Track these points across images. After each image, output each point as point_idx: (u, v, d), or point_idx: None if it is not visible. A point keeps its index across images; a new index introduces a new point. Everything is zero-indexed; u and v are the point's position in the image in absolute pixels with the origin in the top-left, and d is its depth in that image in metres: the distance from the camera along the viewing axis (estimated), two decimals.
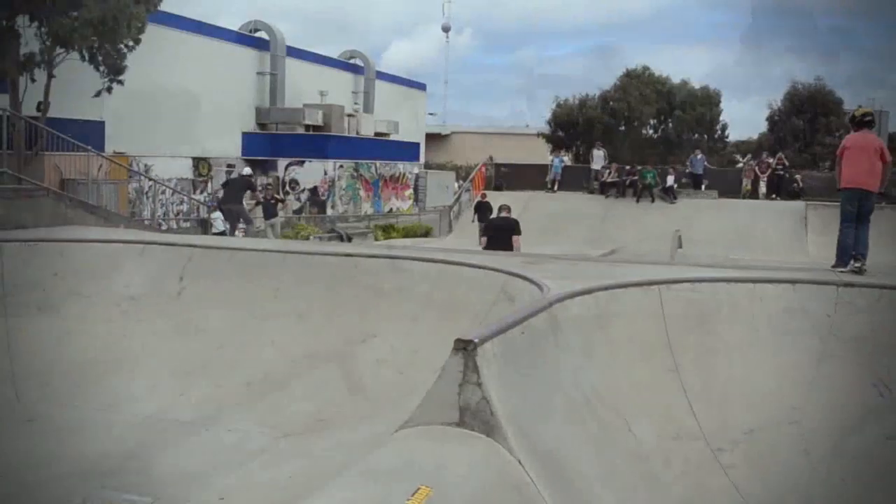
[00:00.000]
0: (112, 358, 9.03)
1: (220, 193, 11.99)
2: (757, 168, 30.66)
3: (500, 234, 14.17)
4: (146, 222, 23.04)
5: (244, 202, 21.07)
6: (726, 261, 15.73)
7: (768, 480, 6.53)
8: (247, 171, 21.67)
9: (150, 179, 28.82)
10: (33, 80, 22.56)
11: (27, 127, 20.68)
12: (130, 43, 22.55)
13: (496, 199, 30.38)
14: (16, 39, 22.04)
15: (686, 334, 7.46)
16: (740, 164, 37.72)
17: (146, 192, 30.58)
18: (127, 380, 8.66)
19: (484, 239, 14.67)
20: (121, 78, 23.31)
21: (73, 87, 23.11)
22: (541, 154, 54.10)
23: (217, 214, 18.66)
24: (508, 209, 15.27)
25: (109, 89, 23.15)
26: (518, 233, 14.10)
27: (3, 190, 11.82)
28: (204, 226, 24.22)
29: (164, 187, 28.84)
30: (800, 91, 50.94)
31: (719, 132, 59.78)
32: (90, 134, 13.44)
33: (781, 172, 29.75)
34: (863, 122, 9.94)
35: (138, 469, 6.61)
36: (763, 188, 30.08)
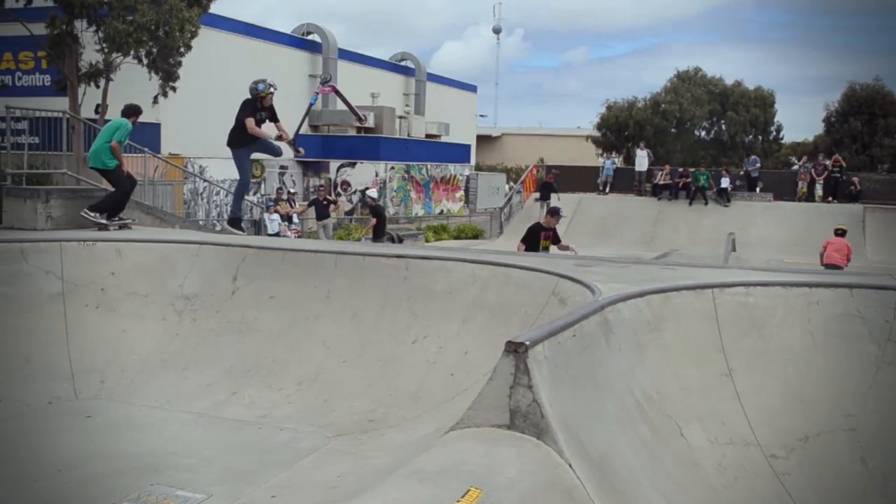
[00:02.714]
0: (166, 356, 9.18)
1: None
2: (813, 170, 30.15)
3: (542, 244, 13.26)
4: (201, 223, 23.38)
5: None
6: (781, 264, 15.49)
7: (823, 488, 6.41)
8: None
9: (205, 180, 29.26)
10: (97, 87, 23.08)
11: (86, 129, 21.11)
12: (182, 49, 22.90)
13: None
14: (75, 43, 22.54)
15: (740, 338, 7.36)
16: (795, 167, 37.19)
17: (201, 193, 31.06)
18: (181, 378, 8.79)
19: (521, 245, 13.43)
20: (174, 84, 23.71)
21: (129, 90, 23.52)
22: (591, 156, 53.88)
23: (274, 216, 18.83)
24: (558, 217, 13.83)
25: (165, 93, 23.54)
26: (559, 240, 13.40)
27: (62, 191, 12.05)
28: (257, 226, 24.47)
29: (218, 188, 29.22)
30: (857, 92, 50.02)
31: (774, 133, 58.95)
32: (146, 136, 13.66)
33: (838, 174, 29.23)
34: None
35: (191, 466, 6.70)
36: (819, 191, 29.59)
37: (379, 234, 18.87)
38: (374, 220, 19.15)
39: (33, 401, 8.11)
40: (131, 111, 12.13)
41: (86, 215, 11.59)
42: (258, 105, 11.56)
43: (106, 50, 22.44)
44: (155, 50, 22.72)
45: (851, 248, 17.66)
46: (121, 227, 11.83)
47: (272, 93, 11.35)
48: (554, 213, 13.84)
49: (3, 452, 6.79)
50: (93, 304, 9.58)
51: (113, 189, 12.04)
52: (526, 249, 12.90)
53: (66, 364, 8.82)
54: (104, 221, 11.63)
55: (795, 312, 7.55)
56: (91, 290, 9.70)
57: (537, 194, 29.81)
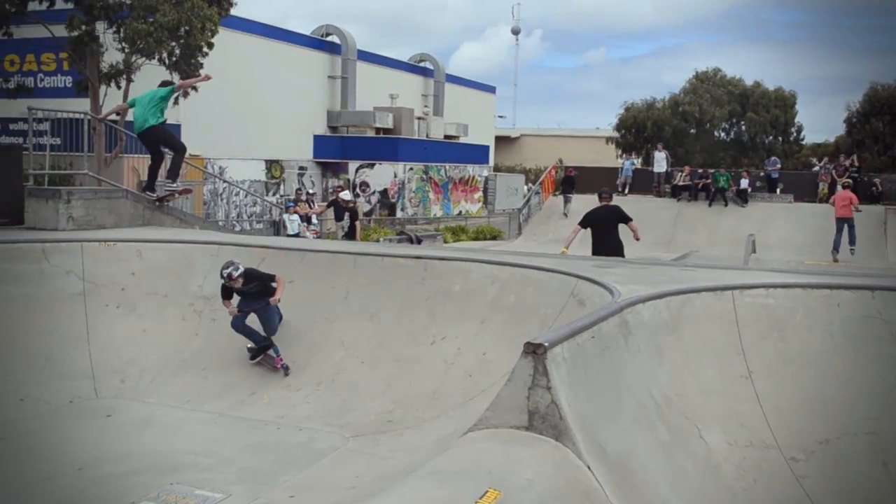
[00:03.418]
0: (186, 356, 9.23)
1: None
2: (834, 171, 29.91)
3: (604, 224, 12.28)
4: (220, 223, 23.49)
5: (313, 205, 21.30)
6: (802, 266, 15.39)
7: (843, 492, 6.36)
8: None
9: (224, 181, 29.38)
10: (119, 87, 23.22)
11: (107, 130, 21.25)
12: (205, 48, 23.00)
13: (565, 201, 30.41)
14: (96, 45, 22.69)
15: (760, 340, 7.31)
16: (816, 168, 36.91)
17: (220, 194, 31.20)
18: (200, 378, 8.84)
19: (578, 228, 12.58)
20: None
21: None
22: (610, 157, 53.72)
23: (293, 217, 18.86)
24: (609, 196, 13.07)
25: (186, 94, 23.66)
26: (629, 218, 12.38)
27: (84, 191, 12.14)
28: (276, 227, 24.55)
29: (237, 189, 29.34)
30: (879, 92, 49.58)
31: (794, 134, 58.56)
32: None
33: (856, 175, 28.96)
34: None
35: (210, 466, 6.73)
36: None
37: (353, 234, 18.97)
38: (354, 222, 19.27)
39: (54, 399, 8.18)
40: (167, 83, 13.09)
41: (170, 188, 12.90)
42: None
43: (126, 51, 22.57)
44: (177, 50, 22.82)
45: (856, 198, 21.83)
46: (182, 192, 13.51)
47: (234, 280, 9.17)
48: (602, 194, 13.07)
49: (24, 450, 6.84)
50: (113, 304, 9.65)
51: (172, 152, 12.97)
52: (566, 195, 12.35)
53: (86, 363, 8.89)
54: (178, 186, 13.11)
55: (816, 314, 7.50)
56: (111, 289, 9.77)
57: (559, 189, 30.71)
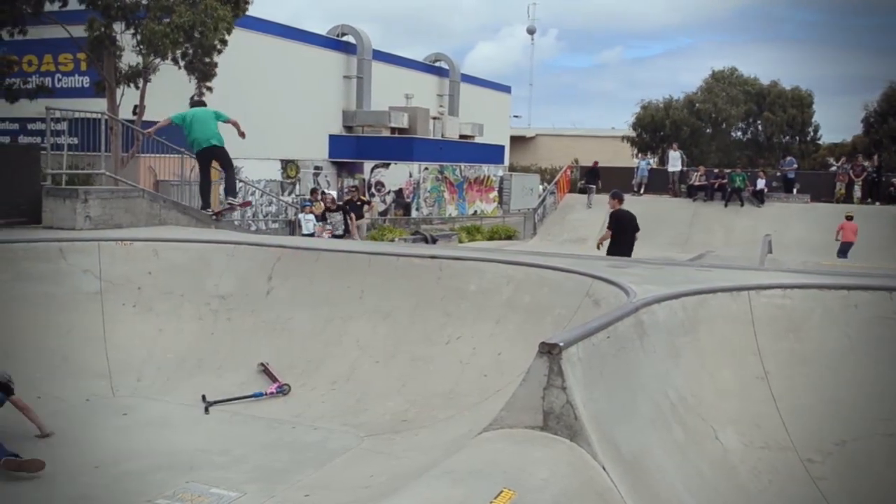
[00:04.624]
0: (202, 355, 9.27)
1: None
2: (851, 171, 29.72)
3: (627, 228, 13.08)
4: (236, 223, 23.53)
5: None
6: (819, 266, 15.30)
7: (860, 494, 6.32)
8: None
9: (240, 181, 29.41)
10: (137, 88, 23.34)
11: (124, 130, 21.36)
12: (219, 46, 23.07)
13: (580, 201, 30.41)
14: (113, 45, 22.80)
15: (776, 341, 7.28)
16: (833, 168, 36.68)
17: (224, 188, 31.27)
18: (216, 377, 8.87)
19: (609, 232, 13.22)
20: (210, 85, 23.91)
21: (167, 91, 23.78)
22: (626, 157, 53.59)
23: (309, 217, 18.84)
24: (622, 198, 13.88)
25: (202, 93, 23.74)
26: (639, 228, 13.26)
27: (100, 191, 12.20)
28: (292, 227, 24.60)
29: (253, 189, 29.39)
30: None
31: (811, 134, 58.21)
32: (183, 136, 13.83)
33: (874, 175, 28.78)
34: None
35: (225, 464, 6.76)
36: (858, 192, 29.14)
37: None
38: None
39: (71, 398, 8.23)
40: (203, 103, 14.26)
41: (231, 202, 14.03)
42: None
43: (143, 52, 22.67)
44: (191, 51, 22.91)
45: (857, 228, 23.41)
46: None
47: None
48: (614, 195, 13.98)
49: (41, 449, 6.88)
50: (130, 303, 9.69)
51: (224, 170, 13.93)
52: (614, 236, 12.99)
53: (103, 362, 8.93)
54: (239, 200, 14.30)
55: (833, 315, 7.46)
56: (128, 289, 9.82)
57: (584, 180, 32.21)
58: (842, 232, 23.47)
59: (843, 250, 23.29)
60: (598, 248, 13.67)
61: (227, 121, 13.36)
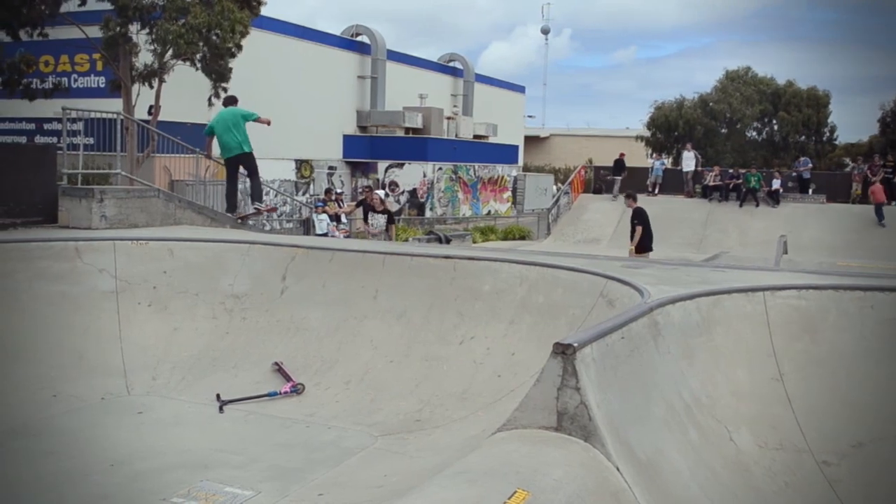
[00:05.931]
0: (216, 354, 9.30)
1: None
2: (868, 171, 29.50)
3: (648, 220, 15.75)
4: (250, 223, 23.59)
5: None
6: (834, 267, 15.22)
7: (877, 497, 6.28)
8: None
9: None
10: (151, 87, 23.44)
11: (139, 130, 21.45)
12: (233, 49, 23.14)
13: (594, 201, 30.35)
14: (129, 45, 22.90)
15: (791, 342, 7.25)
16: (849, 168, 36.43)
17: (251, 194, 31.33)
18: (230, 376, 8.90)
19: (639, 229, 15.68)
20: (226, 86, 23.98)
21: (182, 91, 23.88)
22: (640, 157, 53.45)
23: (322, 216, 18.92)
24: (635, 197, 16.40)
25: (217, 94, 23.83)
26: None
27: (116, 191, 12.27)
28: (306, 226, 24.66)
29: (267, 188, 29.48)
30: None
31: (827, 134, 57.89)
32: (198, 136, 13.89)
33: (891, 176, 28.55)
34: None
35: (239, 463, 6.77)
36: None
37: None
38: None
39: (87, 396, 8.26)
40: (234, 99, 14.06)
41: (258, 207, 14.27)
42: None
43: (158, 52, 22.76)
44: (207, 53, 22.99)
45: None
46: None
47: None
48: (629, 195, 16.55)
49: (57, 447, 6.92)
50: (145, 302, 9.74)
51: (250, 177, 14.06)
52: (643, 232, 15.39)
53: (118, 361, 8.97)
54: (265, 205, 14.55)
55: (849, 316, 7.41)
56: (143, 288, 9.86)
57: (609, 173, 32.67)
58: (874, 194, 26.05)
59: (878, 212, 25.85)
60: (631, 252, 15.39)
61: (256, 119, 13.38)
